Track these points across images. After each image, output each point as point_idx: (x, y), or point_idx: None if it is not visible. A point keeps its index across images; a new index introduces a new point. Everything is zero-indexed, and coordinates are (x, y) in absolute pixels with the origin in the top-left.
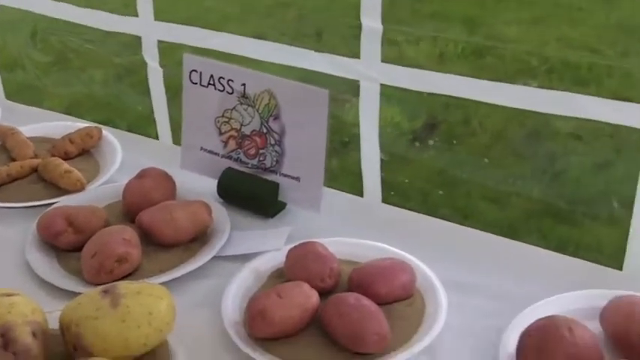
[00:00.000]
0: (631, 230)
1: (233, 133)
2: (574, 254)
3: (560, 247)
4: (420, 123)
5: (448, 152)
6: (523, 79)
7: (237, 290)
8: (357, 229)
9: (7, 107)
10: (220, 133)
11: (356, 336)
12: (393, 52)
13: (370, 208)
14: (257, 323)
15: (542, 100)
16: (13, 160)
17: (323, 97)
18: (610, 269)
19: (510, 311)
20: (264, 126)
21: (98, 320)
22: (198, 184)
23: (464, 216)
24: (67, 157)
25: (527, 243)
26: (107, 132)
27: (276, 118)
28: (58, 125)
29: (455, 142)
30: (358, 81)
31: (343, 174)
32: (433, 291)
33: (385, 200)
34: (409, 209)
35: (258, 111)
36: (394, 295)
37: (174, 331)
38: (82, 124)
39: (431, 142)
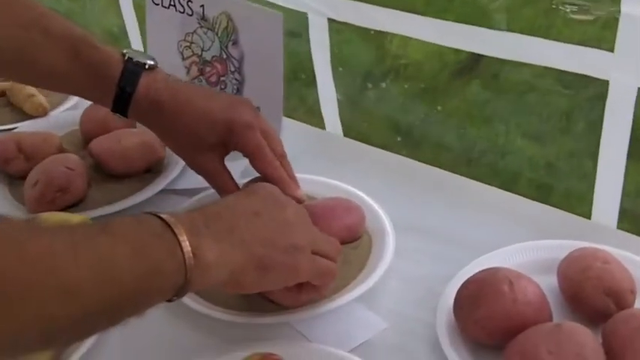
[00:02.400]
0: (597, 178)
1: (195, 58)
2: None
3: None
4: (465, 55)
5: (490, 86)
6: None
7: None
8: (318, 164)
9: None
10: (183, 59)
11: None
12: None
13: (333, 142)
14: None
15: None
16: None
17: (277, 21)
18: (580, 218)
19: (464, 259)
20: (224, 51)
21: None
22: None
23: (501, 153)
24: None
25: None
26: None
27: (235, 43)
28: None
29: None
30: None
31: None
32: (382, 233)
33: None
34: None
35: (217, 35)
36: (336, 237)
37: None
38: None
39: (473, 75)
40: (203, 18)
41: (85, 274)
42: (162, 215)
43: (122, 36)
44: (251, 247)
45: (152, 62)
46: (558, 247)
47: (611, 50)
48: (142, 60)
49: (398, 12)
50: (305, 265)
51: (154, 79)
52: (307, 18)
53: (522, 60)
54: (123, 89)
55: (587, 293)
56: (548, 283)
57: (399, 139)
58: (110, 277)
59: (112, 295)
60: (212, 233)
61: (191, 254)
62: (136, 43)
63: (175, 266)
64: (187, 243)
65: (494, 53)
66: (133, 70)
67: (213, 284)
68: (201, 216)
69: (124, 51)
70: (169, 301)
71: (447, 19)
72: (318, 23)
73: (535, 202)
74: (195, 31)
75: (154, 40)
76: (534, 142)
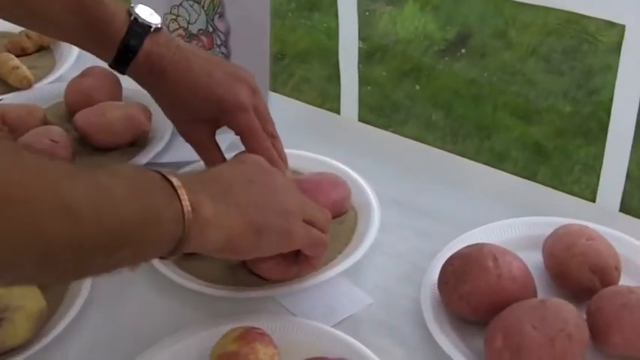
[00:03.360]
0: (605, 160)
1: (181, 32)
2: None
3: (586, 169)
4: (453, 33)
5: (478, 65)
6: None
7: None
8: (305, 139)
9: None
10: (169, 32)
11: (257, 259)
12: None
13: (319, 118)
14: None
15: None
16: None
17: None
18: (566, 195)
19: (449, 235)
20: (210, 25)
21: None
22: None
23: (488, 132)
24: (24, 54)
25: (551, 162)
26: None
27: (221, 16)
28: None
29: (487, 54)
30: None
31: None
32: (368, 209)
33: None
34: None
35: (204, 8)
36: None
37: None
38: None
39: (461, 54)
40: None
41: (83, 195)
42: (160, 170)
43: None
44: (246, 211)
45: (158, 24)
46: (544, 223)
47: None
48: (147, 21)
49: None
50: (298, 231)
51: (157, 42)
52: None
53: (542, 4)
54: (125, 50)
55: (572, 270)
56: (534, 260)
57: (385, 116)
58: (108, 206)
59: (110, 225)
60: (209, 194)
61: (189, 208)
62: None
63: (174, 216)
64: (186, 197)
65: None
66: (137, 31)
67: (210, 247)
68: (197, 178)
69: (132, 6)
70: (163, 258)
71: None
72: None
73: (522, 179)
74: (181, 4)
75: None
76: (521, 121)
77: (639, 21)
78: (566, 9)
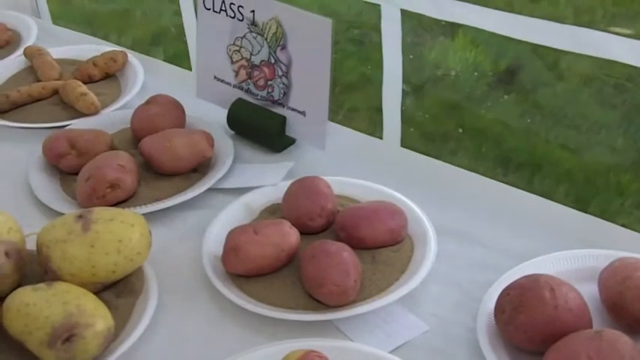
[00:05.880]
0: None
1: (243, 62)
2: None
3: (637, 204)
4: (504, 66)
5: (528, 98)
6: None
7: (224, 224)
8: (363, 168)
9: (44, 28)
10: (232, 62)
11: (316, 284)
12: None
13: (377, 148)
14: (230, 259)
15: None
16: (39, 81)
17: (326, 27)
18: (621, 228)
19: (504, 265)
20: (272, 56)
21: (67, 244)
22: (213, 114)
23: (538, 165)
24: (90, 81)
25: (603, 197)
26: (133, 57)
27: (284, 47)
28: (86, 48)
29: (538, 86)
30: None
31: None
32: (424, 238)
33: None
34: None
35: (266, 40)
36: (379, 240)
37: (155, 261)
38: (109, 47)
39: (511, 86)
40: (253, 23)
41: None
42: None
43: (180, 36)
44: None
45: None
46: (599, 256)
47: None
48: None
49: (469, 4)
50: None
51: None
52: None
53: (581, 52)
54: None
55: (627, 303)
56: (589, 292)
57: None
58: None
59: None
60: None
61: None
62: (193, 43)
63: None
64: None
65: (555, 44)
66: None
67: None
68: None
69: None
70: None
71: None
72: (392, 15)
73: (576, 211)
74: (244, 36)
75: (204, 44)
76: (572, 154)
77: None
78: (606, 57)
